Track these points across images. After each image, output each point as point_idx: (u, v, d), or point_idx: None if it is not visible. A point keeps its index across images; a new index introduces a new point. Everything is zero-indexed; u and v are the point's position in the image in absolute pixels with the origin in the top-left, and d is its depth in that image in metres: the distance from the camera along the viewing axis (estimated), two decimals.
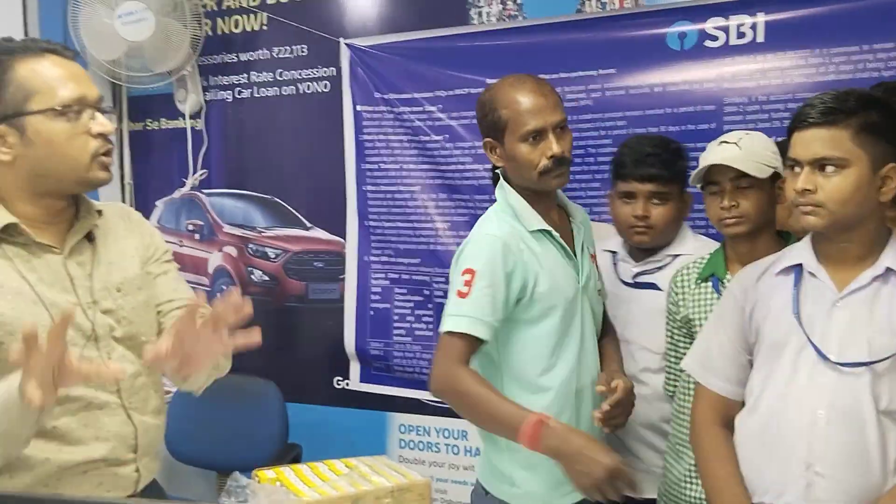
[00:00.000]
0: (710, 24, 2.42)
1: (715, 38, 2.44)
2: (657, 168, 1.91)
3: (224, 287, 3.30)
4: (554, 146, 1.72)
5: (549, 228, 1.78)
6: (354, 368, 3.05)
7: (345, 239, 3.04)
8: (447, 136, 2.83)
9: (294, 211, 3.16)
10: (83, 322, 1.39)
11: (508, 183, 1.83)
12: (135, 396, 1.46)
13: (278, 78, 3.14)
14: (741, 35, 2.40)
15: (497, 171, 1.87)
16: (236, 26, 3.19)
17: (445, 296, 1.85)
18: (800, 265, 1.49)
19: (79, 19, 2.90)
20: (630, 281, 2.01)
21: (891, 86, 1.84)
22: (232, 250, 3.27)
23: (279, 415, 2.84)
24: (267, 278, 3.20)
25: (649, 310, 1.95)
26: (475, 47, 2.75)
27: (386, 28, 2.92)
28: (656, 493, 1.96)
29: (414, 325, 2.93)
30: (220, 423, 2.84)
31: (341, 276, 3.05)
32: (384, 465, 1.82)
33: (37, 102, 1.31)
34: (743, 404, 1.55)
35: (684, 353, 1.74)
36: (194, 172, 3.29)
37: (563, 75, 2.62)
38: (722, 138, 1.80)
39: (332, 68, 3.02)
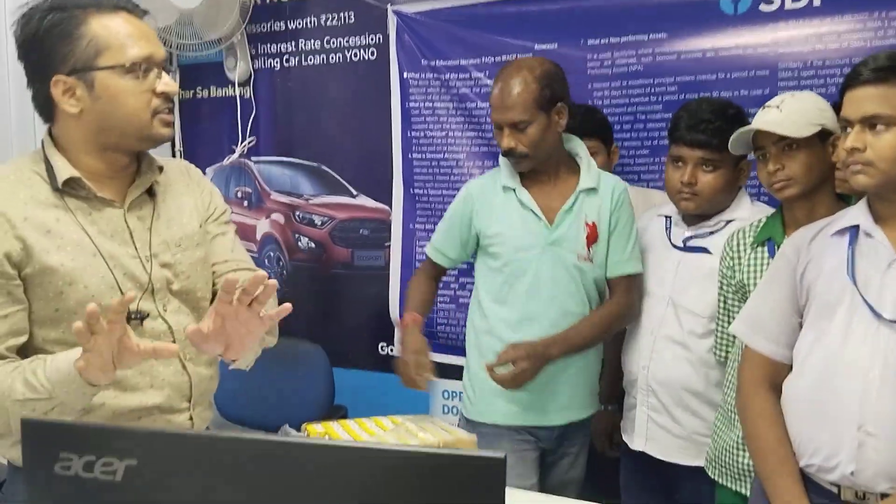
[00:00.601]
0: None
1: (770, 2, 2.38)
2: (707, 135, 1.89)
3: (271, 254, 3.35)
4: (503, 142, 2.01)
5: (514, 187, 2.06)
6: (399, 335, 3.08)
7: (390, 206, 3.05)
8: None
9: (340, 178, 3.18)
10: (140, 274, 1.42)
11: None
12: (189, 348, 1.48)
13: (326, 46, 3.15)
14: None
15: None
16: None
17: None
18: (856, 226, 1.46)
19: None
20: (680, 244, 1.99)
21: None
22: (279, 217, 3.31)
23: (326, 377, 2.88)
24: (313, 245, 3.23)
25: (698, 274, 1.94)
26: (523, 12, 2.72)
27: None
28: (693, 460, 1.95)
29: (458, 293, 2.94)
30: (268, 385, 2.89)
31: (387, 244, 3.07)
32: (430, 422, 1.85)
33: (107, 58, 1.34)
34: (791, 368, 1.53)
35: None
36: (243, 140, 3.33)
37: (612, 40, 2.59)
38: (767, 103, 1.77)
39: (378, 35, 3.02)
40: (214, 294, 1.56)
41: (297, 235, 3.28)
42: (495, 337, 2.09)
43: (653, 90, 2.54)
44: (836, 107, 1.61)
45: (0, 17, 2.83)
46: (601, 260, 2.08)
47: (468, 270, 2.90)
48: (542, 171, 2.08)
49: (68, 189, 1.38)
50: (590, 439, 2.26)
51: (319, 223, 3.23)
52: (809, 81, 2.32)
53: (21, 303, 1.33)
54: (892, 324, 1.37)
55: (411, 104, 2.95)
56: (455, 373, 2.96)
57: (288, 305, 1.27)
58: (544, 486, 2.12)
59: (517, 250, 2.05)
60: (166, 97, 1.40)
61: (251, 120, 3.31)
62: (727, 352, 1.86)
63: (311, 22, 3.17)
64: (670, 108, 2.34)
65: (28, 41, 1.36)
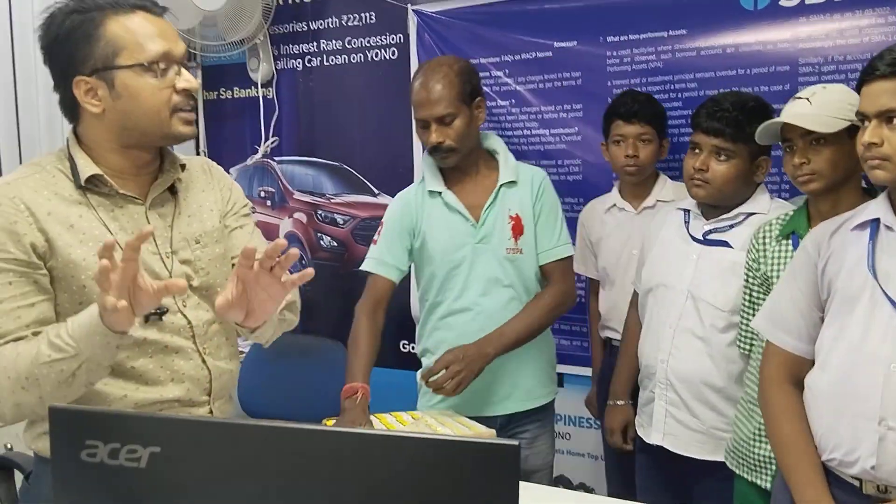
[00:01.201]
0: None
1: None
2: (722, 123, 1.89)
3: None
4: (431, 137, 2.04)
5: (440, 190, 2.11)
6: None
7: None
8: (513, 100, 2.83)
9: (362, 178, 3.21)
10: (161, 270, 1.45)
11: None
12: (209, 342, 1.51)
13: (347, 46, 3.18)
14: None
15: None
16: None
17: None
18: (876, 220, 1.46)
19: None
20: (700, 237, 1.99)
21: None
22: (302, 216, 3.35)
23: None
24: (336, 244, 3.26)
25: (718, 267, 1.93)
26: (542, 10, 2.73)
27: None
28: (710, 455, 1.95)
29: None
30: (291, 382, 2.92)
31: None
32: (450, 417, 1.87)
33: (125, 57, 1.36)
34: (812, 363, 1.53)
35: None
36: (266, 140, 3.37)
37: (631, 37, 2.59)
38: (797, 94, 1.76)
39: (399, 35, 3.05)
40: None
41: (319, 234, 3.32)
42: (442, 331, 2.16)
43: (672, 87, 2.54)
44: None
45: (27, 22, 2.88)
46: (531, 249, 2.13)
47: None
48: (463, 169, 2.13)
49: (91, 186, 1.41)
50: (552, 427, 2.30)
51: (341, 222, 3.26)
52: (830, 77, 2.31)
53: (47, 292, 1.36)
54: None
55: None
56: None
57: (310, 270, 1.27)
58: None
59: (448, 252, 2.11)
60: (187, 94, 1.42)
61: (274, 120, 3.35)
62: (751, 344, 1.86)
63: (332, 22, 3.20)
64: (690, 105, 2.34)
65: (51, 45, 1.39)
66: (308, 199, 3.34)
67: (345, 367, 2.92)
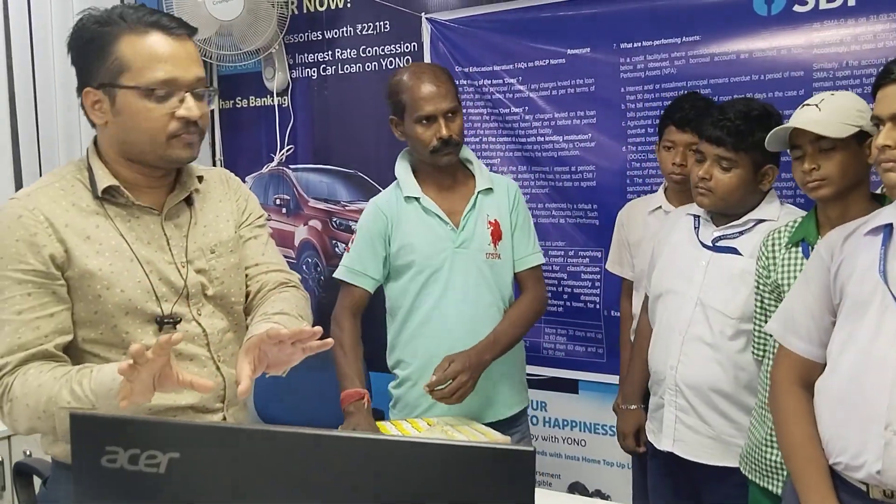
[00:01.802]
0: None
1: (804, 3, 2.37)
2: (724, 133, 1.89)
3: (309, 260, 3.40)
4: (441, 131, 2.02)
5: (418, 196, 2.10)
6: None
7: None
8: (526, 107, 2.84)
9: (376, 185, 3.22)
10: (176, 279, 1.46)
11: (410, 155, 2.19)
12: (223, 350, 1.53)
13: (362, 54, 3.21)
14: None
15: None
16: (321, 4, 3.27)
17: None
18: (889, 225, 1.45)
19: (173, 0, 3.02)
20: (709, 244, 1.98)
21: None
22: (317, 224, 3.36)
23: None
24: None
25: (727, 275, 1.93)
26: (555, 18, 2.75)
27: (466, 1, 2.95)
28: (721, 461, 1.94)
29: None
30: (306, 388, 2.93)
31: None
32: (466, 424, 1.87)
33: (127, 78, 1.37)
34: (824, 367, 1.52)
35: None
36: (281, 148, 3.40)
37: (644, 44, 2.60)
38: (807, 101, 1.76)
39: (413, 43, 3.07)
40: (247, 296, 1.60)
41: (334, 241, 3.33)
42: (421, 339, 2.14)
43: (685, 93, 2.53)
44: None
45: (46, 28, 2.92)
46: (508, 255, 2.16)
47: None
48: (441, 177, 2.13)
49: (108, 197, 1.43)
50: (529, 435, 2.29)
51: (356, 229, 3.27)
52: (845, 82, 2.31)
53: (65, 302, 1.38)
54: None
55: None
56: None
57: (330, 340, 1.31)
58: None
59: (428, 256, 2.10)
60: (187, 122, 1.40)
61: (289, 128, 3.38)
62: (764, 351, 1.85)
63: (346, 31, 3.23)
64: None
65: (72, 52, 1.42)
66: (323, 206, 3.36)
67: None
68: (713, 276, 1.95)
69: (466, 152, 2.21)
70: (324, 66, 3.30)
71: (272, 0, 3.08)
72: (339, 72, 3.27)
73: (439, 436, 1.71)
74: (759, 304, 1.85)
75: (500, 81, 2.86)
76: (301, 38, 3.32)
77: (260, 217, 1.67)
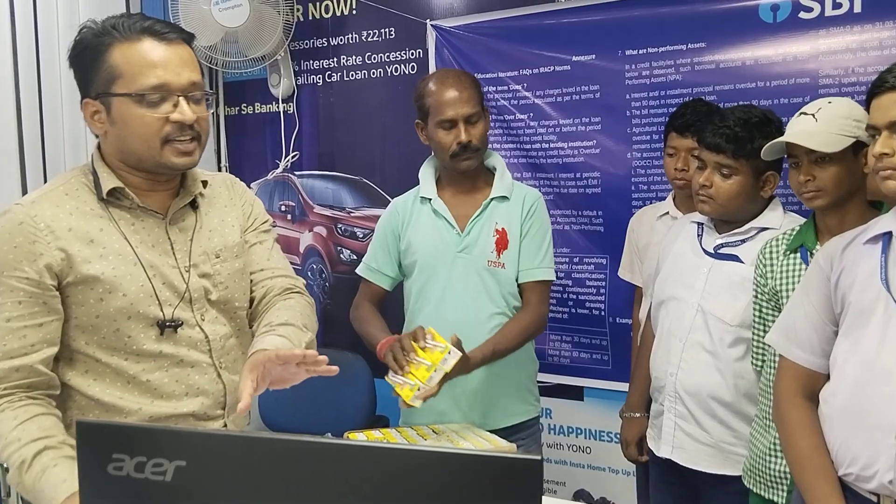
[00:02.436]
0: None
1: (810, 10, 2.37)
2: (724, 141, 1.88)
3: (314, 266, 3.40)
4: (462, 135, 2.03)
5: (430, 197, 2.14)
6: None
7: None
8: (532, 114, 2.85)
9: (382, 191, 3.23)
10: (179, 284, 1.46)
11: (435, 160, 2.21)
12: (225, 357, 1.53)
13: (367, 61, 3.21)
14: (837, 5, 2.34)
15: None
16: (327, 11, 3.28)
17: None
18: (889, 233, 1.45)
19: (178, 7, 3.03)
20: (711, 251, 1.98)
21: None
22: (322, 230, 3.37)
23: (368, 387, 2.92)
24: (355, 257, 3.28)
25: (728, 282, 1.92)
26: (561, 25, 2.75)
27: (471, 8, 2.95)
28: (719, 468, 1.93)
29: None
30: (311, 395, 2.93)
31: None
32: (470, 431, 1.87)
33: (120, 86, 1.38)
34: (827, 378, 1.52)
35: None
36: (287, 155, 3.40)
37: (650, 50, 2.60)
38: (803, 109, 1.76)
39: (418, 50, 3.08)
40: (252, 301, 1.60)
41: (339, 248, 3.34)
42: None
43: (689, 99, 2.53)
44: None
45: (52, 34, 2.92)
46: (514, 266, 2.12)
47: None
48: (460, 180, 2.14)
49: (113, 199, 1.43)
50: (538, 445, 2.28)
51: (361, 236, 3.28)
52: (850, 89, 2.31)
53: (56, 313, 1.38)
54: None
55: None
56: None
57: (335, 368, 1.35)
58: None
59: (430, 257, 2.12)
60: (181, 126, 1.40)
61: (294, 135, 3.38)
62: (763, 361, 1.85)
63: (352, 38, 3.24)
64: None
65: (70, 64, 1.43)
66: (328, 212, 3.36)
67: (365, 379, 2.94)
68: (714, 284, 1.95)
69: (495, 159, 2.20)
70: (329, 72, 3.31)
71: (278, 7, 3.09)
72: (345, 78, 3.27)
73: (445, 444, 1.70)
74: (757, 313, 1.85)
75: (506, 88, 2.86)
76: (306, 44, 3.33)
77: (265, 222, 1.67)
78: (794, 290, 1.72)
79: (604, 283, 2.83)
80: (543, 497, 0.87)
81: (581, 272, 2.87)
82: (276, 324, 1.47)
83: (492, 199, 2.12)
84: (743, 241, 1.95)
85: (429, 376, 1.78)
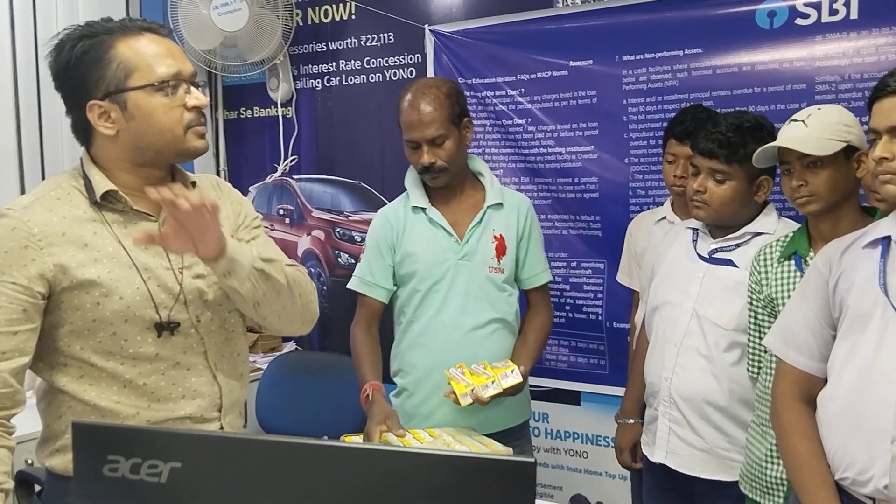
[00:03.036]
0: (801, 1, 2.37)
1: (806, 16, 2.38)
2: (716, 145, 1.89)
3: (312, 270, 3.40)
4: (423, 158, 2.05)
5: (424, 206, 2.12)
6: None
7: None
8: (529, 119, 2.85)
9: (380, 195, 3.24)
10: (173, 285, 1.46)
11: None
12: (220, 359, 1.53)
13: (366, 66, 3.22)
14: (834, 12, 2.34)
15: None
16: (326, 16, 3.29)
17: None
18: (887, 238, 1.45)
19: (178, 11, 3.04)
20: (706, 256, 1.99)
21: None
22: (320, 234, 3.37)
23: None
24: (353, 261, 3.28)
25: (723, 286, 1.93)
26: (559, 30, 2.76)
27: (470, 13, 2.97)
28: (714, 474, 1.93)
29: None
30: (309, 398, 2.94)
31: None
32: (467, 435, 1.87)
33: (136, 79, 1.39)
34: (825, 382, 1.52)
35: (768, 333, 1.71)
36: (285, 159, 3.41)
37: (647, 56, 2.61)
38: (793, 116, 1.76)
39: (417, 55, 3.09)
40: None
41: (337, 252, 3.34)
42: (419, 350, 2.15)
43: (688, 105, 2.54)
44: None
45: (51, 34, 2.93)
46: (511, 271, 2.17)
47: None
48: (449, 189, 2.15)
49: (105, 203, 1.43)
50: (529, 449, 2.29)
51: (359, 239, 3.29)
52: (847, 95, 2.32)
53: (33, 322, 1.37)
54: None
55: None
56: None
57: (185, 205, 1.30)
58: None
59: (430, 266, 2.12)
60: (198, 111, 1.44)
61: (293, 139, 3.40)
62: (759, 367, 1.85)
63: (351, 43, 3.25)
64: None
65: (62, 71, 1.41)
66: (326, 216, 3.37)
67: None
68: (709, 288, 1.95)
69: (479, 165, 2.22)
70: (328, 77, 3.31)
71: (277, 11, 3.10)
72: (343, 83, 3.28)
73: (441, 447, 1.71)
74: (753, 320, 1.85)
75: (503, 93, 2.87)
76: (305, 49, 3.34)
77: (255, 218, 1.67)
78: (789, 296, 1.72)
79: (601, 288, 2.83)
80: (540, 501, 0.87)
81: (579, 277, 2.87)
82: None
83: (488, 207, 2.14)
84: (737, 245, 1.95)
85: (485, 383, 1.91)
